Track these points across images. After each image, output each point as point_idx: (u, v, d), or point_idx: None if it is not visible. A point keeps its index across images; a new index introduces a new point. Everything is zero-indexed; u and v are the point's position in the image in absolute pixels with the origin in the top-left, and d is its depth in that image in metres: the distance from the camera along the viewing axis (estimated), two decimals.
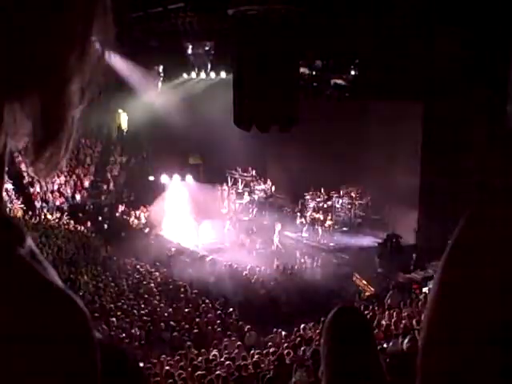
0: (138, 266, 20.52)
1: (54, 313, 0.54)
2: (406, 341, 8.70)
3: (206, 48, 19.77)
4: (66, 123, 0.60)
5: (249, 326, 14.38)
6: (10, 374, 0.51)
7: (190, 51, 20.65)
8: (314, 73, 19.57)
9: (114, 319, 14.23)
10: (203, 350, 12.22)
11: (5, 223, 0.60)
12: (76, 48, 0.57)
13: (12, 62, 0.53)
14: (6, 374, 0.50)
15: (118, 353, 0.70)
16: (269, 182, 27.74)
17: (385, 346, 9.29)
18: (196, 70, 21.90)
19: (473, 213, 0.80)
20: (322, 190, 24.40)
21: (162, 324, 14.46)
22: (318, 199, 24.32)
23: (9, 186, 26.04)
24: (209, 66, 21.30)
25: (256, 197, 26.97)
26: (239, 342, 12.69)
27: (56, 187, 28.29)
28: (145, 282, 18.31)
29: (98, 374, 0.56)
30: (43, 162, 0.61)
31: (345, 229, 23.32)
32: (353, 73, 18.99)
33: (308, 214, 24.08)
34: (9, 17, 0.52)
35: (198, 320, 14.87)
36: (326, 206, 23.93)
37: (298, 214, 24.35)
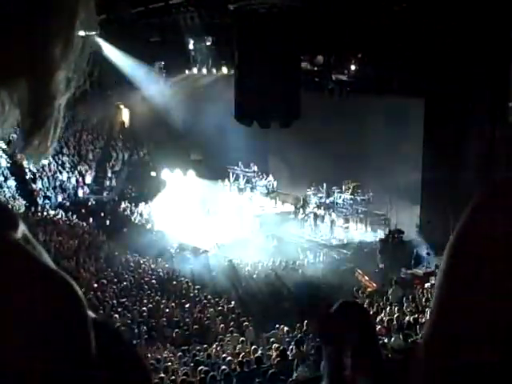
0: (141, 262, 20.55)
1: (49, 294, 0.55)
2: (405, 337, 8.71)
3: (208, 43, 19.75)
4: (53, 111, 0.62)
5: (246, 323, 14.39)
6: (7, 354, 0.51)
7: (191, 47, 20.64)
8: (315, 68, 19.55)
9: (116, 315, 14.25)
10: (205, 346, 12.24)
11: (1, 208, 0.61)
12: (61, 38, 0.59)
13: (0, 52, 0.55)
14: (3, 354, 0.51)
15: (113, 332, 0.71)
16: (270, 178, 27.74)
17: (386, 341, 9.29)
18: (197, 65, 21.89)
19: (475, 205, 0.80)
20: (324, 186, 24.37)
21: (164, 320, 14.49)
22: (320, 195, 24.30)
23: (12, 182, 26.09)
24: (210, 62, 21.30)
25: (257, 192, 26.96)
26: (242, 338, 12.71)
27: (58, 183, 28.32)
28: (147, 278, 18.33)
29: (93, 352, 0.57)
30: (32, 149, 0.63)
31: (346, 224, 23.30)
32: (353, 68, 18.95)
33: (310, 209, 24.07)
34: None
35: (200, 316, 14.89)
36: (327, 201, 23.90)
37: (300, 209, 24.33)
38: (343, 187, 24.10)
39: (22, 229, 0.62)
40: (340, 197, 24.04)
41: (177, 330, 13.95)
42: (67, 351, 0.55)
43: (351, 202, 23.84)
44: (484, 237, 0.77)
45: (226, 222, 24.81)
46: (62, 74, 0.61)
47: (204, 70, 22.21)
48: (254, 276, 18.26)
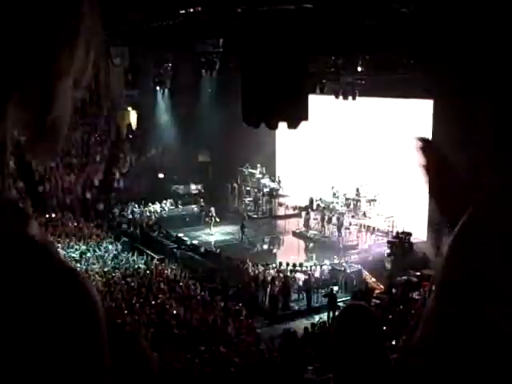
0: (149, 263, 20.58)
1: (66, 290, 0.57)
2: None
3: (216, 45, 19.73)
4: (63, 114, 0.65)
5: (254, 324, 14.41)
6: (24, 348, 0.54)
7: (199, 49, 20.64)
8: (323, 70, 19.54)
9: (124, 317, 14.28)
10: (213, 347, 12.25)
11: (13, 206, 0.64)
12: (68, 44, 0.62)
13: (14, 56, 0.58)
14: (20, 348, 0.54)
15: (124, 329, 0.73)
16: (278, 179, 27.74)
17: (393, 343, 9.27)
18: (205, 67, 21.90)
19: (477, 204, 0.80)
20: (332, 187, 24.33)
21: (171, 321, 14.51)
22: (328, 196, 24.26)
23: (20, 184, 26.20)
24: (218, 64, 21.29)
25: (265, 194, 26.97)
26: (249, 339, 12.72)
27: (66, 185, 28.41)
28: (155, 280, 18.35)
29: (106, 349, 0.59)
30: (40, 151, 0.66)
31: (354, 226, 23.24)
32: (360, 69, 18.91)
33: (317, 210, 24.02)
34: (8, 18, 0.57)
35: (208, 317, 14.90)
36: (334, 203, 23.85)
37: (307, 210, 24.30)
38: (351, 188, 24.06)
39: (35, 225, 0.64)
40: (347, 198, 23.97)
41: (185, 330, 13.97)
42: (82, 348, 0.57)
43: (359, 202, 23.78)
44: (485, 234, 0.77)
45: (234, 222, 24.86)
46: (70, 78, 0.64)
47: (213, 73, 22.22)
48: (262, 277, 18.24)
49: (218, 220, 24.54)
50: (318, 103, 18.61)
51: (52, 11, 0.60)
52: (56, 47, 0.61)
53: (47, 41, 0.60)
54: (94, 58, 0.67)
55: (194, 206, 27.75)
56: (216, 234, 24.28)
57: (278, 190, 27.08)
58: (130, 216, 26.31)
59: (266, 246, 23.52)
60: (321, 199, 24.12)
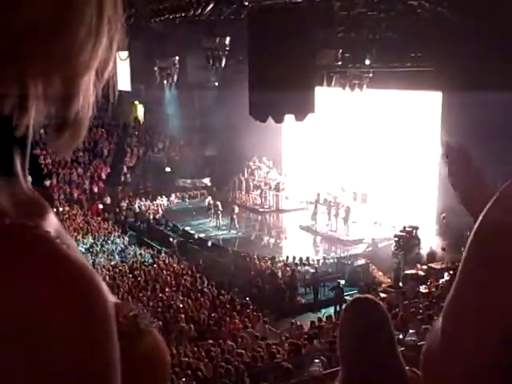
0: (155, 256, 20.65)
1: (76, 288, 0.57)
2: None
3: (223, 39, 19.66)
4: (85, 108, 0.66)
5: (260, 318, 14.42)
6: (35, 347, 0.54)
7: (205, 42, 20.58)
8: (330, 62, 19.43)
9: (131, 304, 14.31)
10: (220, 341, 12.28)
11: (32, 199, 0.65)
12: (92, 36, 0.62)
13: (39, 48, 0.59)
14: (31, 347, 0.54)
15: (137, 324, 0.74)
16: (285, 173, 27.73)
17: (401, 337, 9.25)
18: (212, 60, 21.84)
19: (498, 197, 0.80)
20: (338, 182, 24.30)
21: (179, 315, 14.54)
22: (335, 190, 24.22)
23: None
24: (224, 57, 21.23)
25: (272, 188, 26.94)
26: (256, 333, 12.73)
27: (73, 179, 28.52)
28: (162, 274, 18.40)
29: (116, 347, 0.59)
30: (61, 143, 0.67)
31: (361, 220, 23.20)
32: (368, 62, 18.80)
33: (323, 205, 23.99)
34: (34, 10, 0.58)
35: (213, 311, 14.93)
36: (340, 196, 23.80)
37: (314, 204, 24.27)
38: (359, 182, 24.02)
39: (53, 220, 0.65)
40: (352, 192, 23.93)
41: (191, 324, 14.01)
42: (93, 349, 0.57)
43: (366, 196, 23.74)
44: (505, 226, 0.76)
45: (241, 216, 24.89)
46: (92, 74, 0.65)
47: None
48: (268, 271, 18.26)
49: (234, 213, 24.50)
50: (325, 95, 18.54)
51: (74, 4, 0.61)
52: (80, 41, 0.61)
53: (71, 34, 0.61)
54: (116, 50, 0.67)
55: (200, 200, 27.81)
56: (223, 227, 24.32)
57: (284, 183, 27.06)
58: (137, 210, 26.40)
59: (272, 240, 23.53)
60: (327, 193, 24.09)
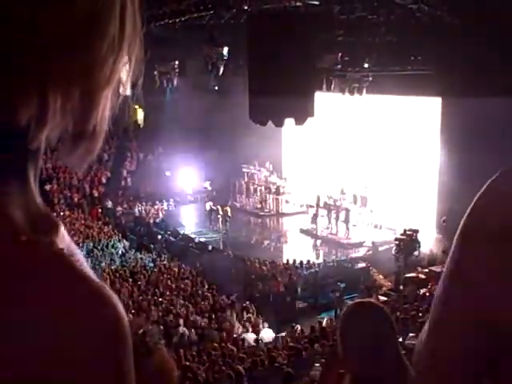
0: (156, 261, 20.62)
1: (92, 306, 0.58)
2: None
3: (222, 44, 19.66)
4: (101, 122, 0.67)
5: (261, 322, 14.41)
6: (53, 361, 0.55)
7: (204, 50, 20.58)
8: (329, 66, 19.45)
9: (130, 315, 14.31)
10: (221, 345, 12.27)
11: (43, 215, 0.65)
12: (113, 52, 0.64)
13: (62, 61, 0.60)
14: (49, 360, 0.55)
15: (145, 342, 0.75)
16: (285, 177, 27.72)
17: (401, 340, 9.24)
18: (210, 67, 21.86)
19: (485, 191, 0.82)
20: (338, 185, 24.29)
21: (179, 319, 14.53)
22: (335, 193, 24.21)
23: None
24: (222, 66, 21.24)
25: (272, 191, 26.95)
26: (256, 336, 12.72)
27: (73, 183, 28.50)
28: (162, 278, 18.37)
29: (132, 365, 0.60)
30: (77, 156, 0.67)
31: (362, 223, 23.20)
32: (367, 66, 18.81)
33: (323, 208, 23.99)
34: (60, 25, 0.59)
35: (214, 315, 14.92)
36: (340, 200, 23.80)
37: (314, 208, 24.27)
38: (359, 186, 24.02)
39: (65, 235, 0.65)
40: (354, 195, 23.94)
41: (192, 328, 13.99)
42: (108, 364, 0.58)
43: (366, 200, 23.74)
44: (493, 223, 0.78)
45: (241, 220, 24.88)
46: (111, 88, 0.66)
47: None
48: (269, 275, 18.23)
49: (228, 216, 24.49)
50: (324, 100, 18.56)
51: (98, 21, 0.62)
52: (102, 56, 0.63)
53: (94, 49, 0.62)
54: (134, 66, 0.68)
55: (201, 204, 27.78)
56: (224, 231, 24.29)
57: (284, 187, 27.05)
58: (138, 214, 26.38)
59: (273, 244, 23.52)
60: (328, 196, 24.08)
